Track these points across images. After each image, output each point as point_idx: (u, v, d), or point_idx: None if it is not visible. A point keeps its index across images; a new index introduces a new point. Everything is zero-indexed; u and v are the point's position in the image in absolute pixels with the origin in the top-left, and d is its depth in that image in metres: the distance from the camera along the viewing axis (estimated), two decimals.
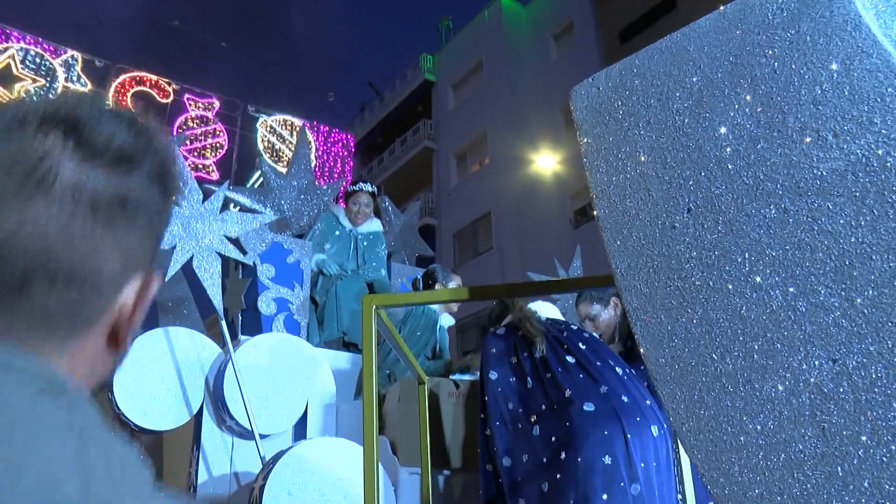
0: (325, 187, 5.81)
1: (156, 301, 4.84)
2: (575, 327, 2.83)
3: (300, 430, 3.82)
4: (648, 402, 2.54)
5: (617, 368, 2.59)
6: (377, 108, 28.97)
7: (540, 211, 21.42)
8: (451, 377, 4.09)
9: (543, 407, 2.52)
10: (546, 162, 21.74)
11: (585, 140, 1.44)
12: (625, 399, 2.48)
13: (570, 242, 21.22)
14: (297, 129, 25.89)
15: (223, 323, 3.49)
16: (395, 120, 27.80)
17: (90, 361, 0.64)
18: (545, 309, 2.94)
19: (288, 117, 26.30)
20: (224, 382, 3.59)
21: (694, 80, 1.25)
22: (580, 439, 2.37)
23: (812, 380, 1.03)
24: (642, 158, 1.31)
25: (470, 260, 22.58)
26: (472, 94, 24.93)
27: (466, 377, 3.62)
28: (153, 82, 22.10)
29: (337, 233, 5.09)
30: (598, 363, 2.59)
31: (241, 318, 4.62)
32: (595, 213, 1.35)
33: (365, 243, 5.20)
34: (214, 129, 23.47)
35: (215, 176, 21.02)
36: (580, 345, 2.66)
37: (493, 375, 2.65)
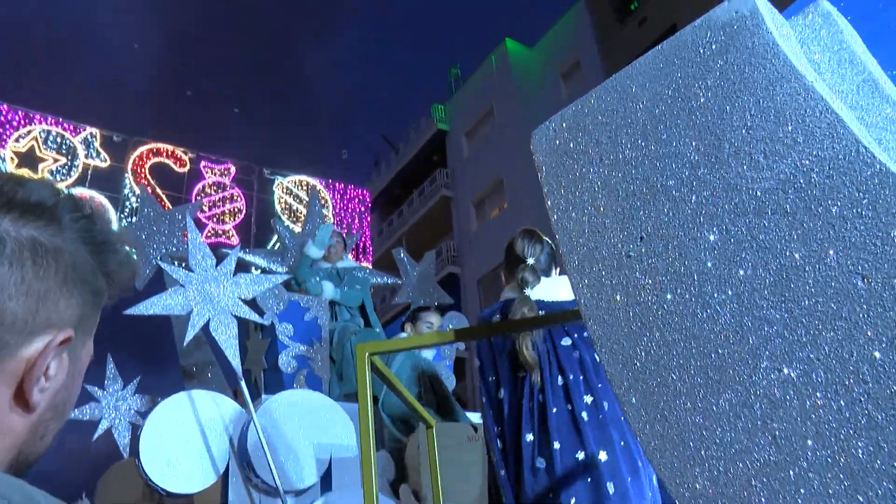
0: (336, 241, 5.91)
1: (180, 368, 4.94)
2: (566, 342, 2.53)
3: (326, 483, 3.86)
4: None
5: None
6: (392, 161, 29.34)
7: None
8: (461, 419, 4.13)
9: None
10: None
11: (547, 181, 1.51)
12: (606, 408, 2.41)
13: None
14: (314, 188, 26.34)
15: (243, 383, 3.57)
16: (412, 171, 28.12)
17: None
18: (556, 289, 2.62)
19: (303, 177, 26.73)
20: (248, 441, 3.65)
21: (638, 115, 1.32)
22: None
23: (761, 390, 1.08)
24: (598, 194, 1.37)
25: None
26: (485, 141, 25.18)
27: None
28: (170, 152, 22.67)
29: (322, 267, 5.29)
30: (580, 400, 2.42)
31: (263, 377, 4.70)
32: (560, 250, 1.41)
33: (345, 277, 5.35)
34: (232, 194, 23.88)
35: (235, 240, 21.33)
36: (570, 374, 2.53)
37: (477, 363, 2.59)
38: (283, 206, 24.21)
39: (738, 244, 1.15)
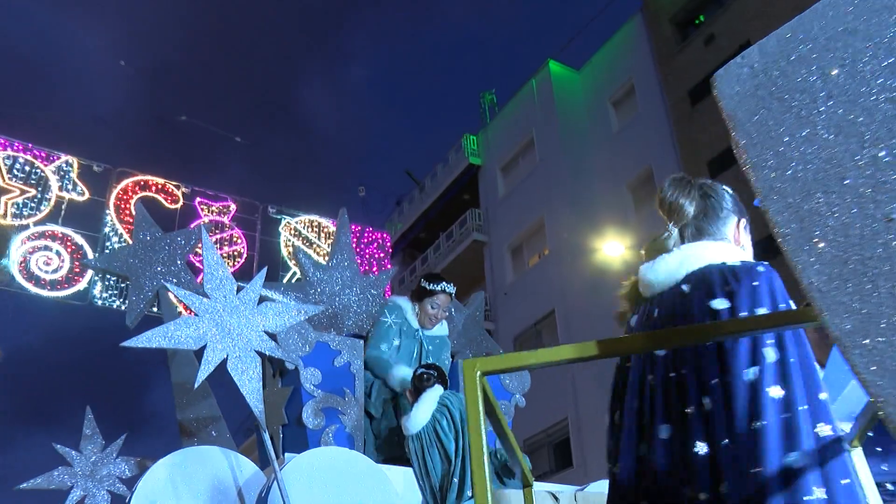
0: (372, 278, 5.73)
1: (177, 423, 4.72)
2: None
3: None
4: None
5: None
6: (417, 200, 29.31)
7: (611, 305, 21.05)
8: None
9: None
10: (614, 249, 21.55)
11: (741, 134, 1.29)
12: None
13: None
14: (326, 230, 26.23)
15: (266, 436, 3.34)
16: (439, 211, 28.05)
17: None
18: (722, 252, 2.11)
19: (315, 217, 26.70)
20: None
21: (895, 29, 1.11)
22: None
23: None
24: (829, 139, 1.15)
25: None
26: (524, 177, 25.10)
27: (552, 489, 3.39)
28: (160, 186, 22.67)
29: (405, 329, 4.94)
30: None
31: (282, 434, 4.47)
32: (769, 219, 1.19)
33: (430, 348, 5.04)
34: (231, 235, 23.86)
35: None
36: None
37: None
38: (291, 250, 24.15)
39: None
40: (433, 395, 4.05)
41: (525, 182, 24.92)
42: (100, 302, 12.01)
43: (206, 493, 3.50)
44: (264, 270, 3.58)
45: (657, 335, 1.38)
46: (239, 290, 3.48)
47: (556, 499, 3.31)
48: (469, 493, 3.86)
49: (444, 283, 5.08)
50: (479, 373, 1.45)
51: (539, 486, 4.11)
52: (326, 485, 3.54)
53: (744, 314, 1.85)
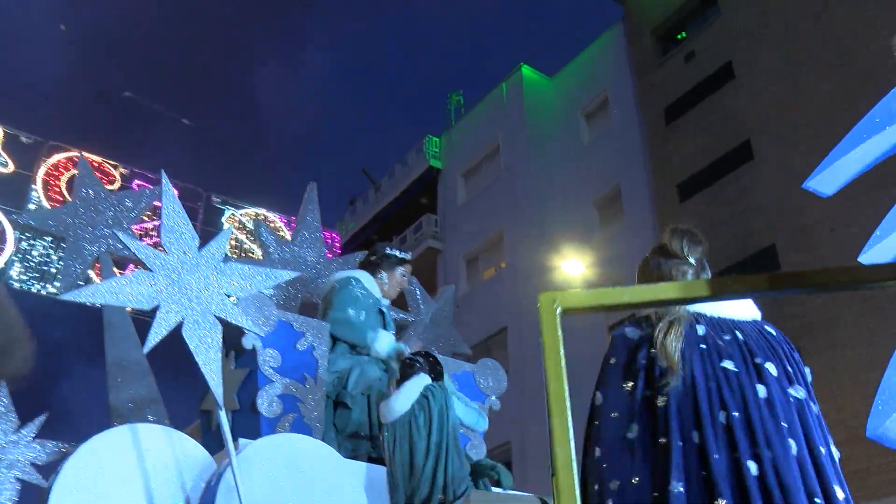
0: (340, 259, 5.40)
1: (108, 406, 4.33)
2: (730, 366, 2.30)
3: None
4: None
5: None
6: (372, 200, 28.89)
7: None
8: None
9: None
10: (574, 267, 21.38)
11: None
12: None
13: None
14: (273, 223, 25.48)
15: (223, 414, 2.97)
16: (394, 214, 27.67)
17: None
18: (729, 309, 2.42)
19: (262, 211, 26.05)
20: (216, 501, 3.03)
21: None
22: None
23: None
24: None
25: None
26: (486, 185, 24.87)
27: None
28: (97, 165, 21.76)
29: (370, 301, 4.65)
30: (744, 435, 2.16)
31: (232, 420, 4.09)
32: None
33: (390, 319, 4.93)
34: (156, 242, 23.19)
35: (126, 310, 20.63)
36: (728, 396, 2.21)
37: (599, 399, 2.33)
38: (234, 244, 23.48)
39: None
40: (417, 383, 3.74)
41: (487, 190, 24.68)
42: (17, 284, 11.30)
43: (141, 479, 3.12)
44: (230, 229, 3.22)
45: (777, 276, 1.10)
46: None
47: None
48: (440, 497, 3.53)
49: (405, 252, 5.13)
50: (558, 309, 1.15)
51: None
52: (286, 476, 3.18)
53: None
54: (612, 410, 2.26)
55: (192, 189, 24.72)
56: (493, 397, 5.02)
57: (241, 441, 3.36)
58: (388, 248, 5.00)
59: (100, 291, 2.85)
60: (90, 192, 4.76)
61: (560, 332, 1.13)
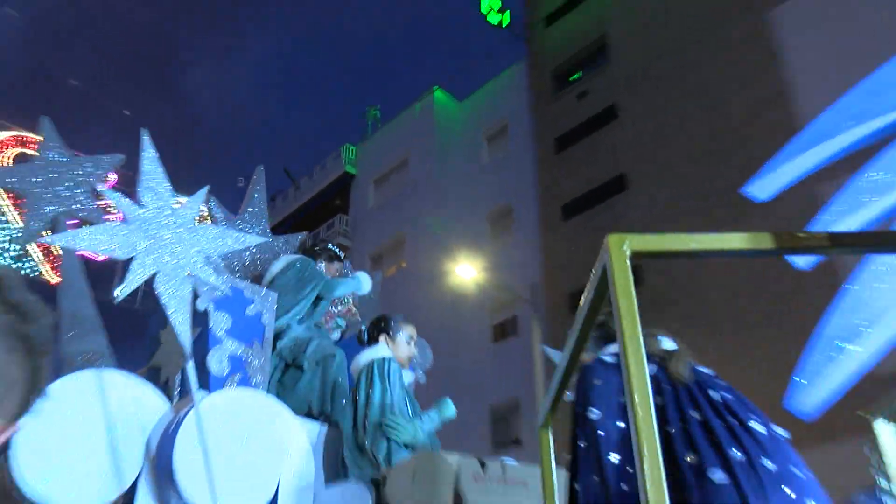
0: (282, 238, 5.23)
1: (59, 356, 4.08)
2: (706, 370, 2.33)
3: None
4: (802, 472, 2.05)
5: (759, 426, 2.10)
6: (291, 198, 28.39)
7: (459, 323, 21.01)
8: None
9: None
10: (466, 271, 21.49)
11: None
12: (768, 466, 2.00)
13: (489, 358, 20.80)
14: (202, 213, 24.73)
15: (190, 365, 2.80)
16: (310, 212, 27.25)
17: None
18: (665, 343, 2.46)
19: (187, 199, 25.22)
20: (175, 448, 2.86)
21: None
22: None
23: None
24: None
25: None
26: (394, 193, 24.77)
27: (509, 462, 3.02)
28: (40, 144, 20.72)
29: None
30: (734, 420, 2.10)
31: (179, 377, 3.90)
32: None
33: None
34: (108, 204, 22.19)
35: (102, 256, 19.73)
36: (714, 393, 2.17)
37: (595, 415, 2.17)
38: None
39: None
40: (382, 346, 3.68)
41: (394, 198, 24.59)
42: None
43: (104, 421, 2.92)
44: (206, 188, 3.06)
45: (837, 236, 1.07)
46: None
47: (483, 464, 2.94)
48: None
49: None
50: (628, 252, 1.09)
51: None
52: (241, 428, 3.03)
53: None
54: (615, 420, 2.17)
55: (129, 175, 23.53)
56: (420, 371, 4.94)
57: (201, 393, 3.19)
58: (329, 245, 4.97)
59: (80, 237, 2.66)
60: (53, 154, 4.48)
61: (631, 274, 1.07)
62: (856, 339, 2.38)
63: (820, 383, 2.38)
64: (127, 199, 2.80)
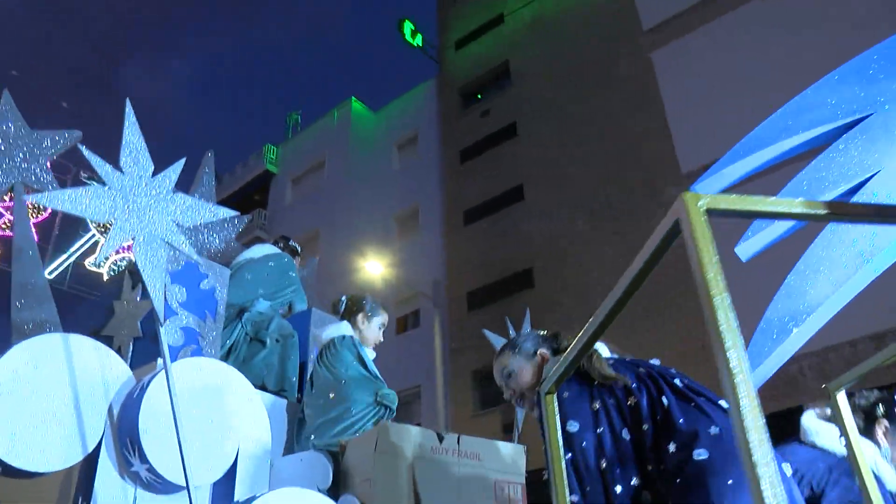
0: (235, 218, 4.92)
1: (12, 323, 3.69)
2: (655, 361, 2.24)
3: (226, 486, 2.84)
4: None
5: (721, 402, 2.02)
6: (215, 192, 27.39)
7: None
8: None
9: (650, 468, 1.93)
10: (374, 267, 21.26)
11: None
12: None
13: (394, 349, 20.58)
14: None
15: (162, 329, 2.54)
16: (231, 205, 25.96)
17: None
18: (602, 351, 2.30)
19: None
20: (140, 412, 2.58)
21: None
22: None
23: None
24: None
25: None
26: (310, 191, 24.26)
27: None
28: None
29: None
30: (700, 398, 2.02)
31: (132, 347, 3.58)
32: None
33: None
34: (63, 180, 20.78)
35: (34, 238, 18.45)
36: (674, 380, 2.08)
37: (574, 427, 2.00)
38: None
39: None
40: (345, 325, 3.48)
41: (310, 196, 24.09)
42: None
43: (72, 386, 2.62)
44: (182, 160, 2.79)
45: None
46: None
47: (441, 438, 2.79)
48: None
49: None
50: (704, 209, 0.96)
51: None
52: (204, 395, 2.78)
53: None
54: (594, 428, 2.01)
55: (62, 163, 22.02)
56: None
57: (158, 362, 2.92)
58: (291, 241, 4.89)
59: (60, 199, 2.37)
60: (10, 126, 4.05)
61: (710, 231, 0.95)
62: (794, 324, 2.35)
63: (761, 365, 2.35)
64: (108, 164, 2.51)
